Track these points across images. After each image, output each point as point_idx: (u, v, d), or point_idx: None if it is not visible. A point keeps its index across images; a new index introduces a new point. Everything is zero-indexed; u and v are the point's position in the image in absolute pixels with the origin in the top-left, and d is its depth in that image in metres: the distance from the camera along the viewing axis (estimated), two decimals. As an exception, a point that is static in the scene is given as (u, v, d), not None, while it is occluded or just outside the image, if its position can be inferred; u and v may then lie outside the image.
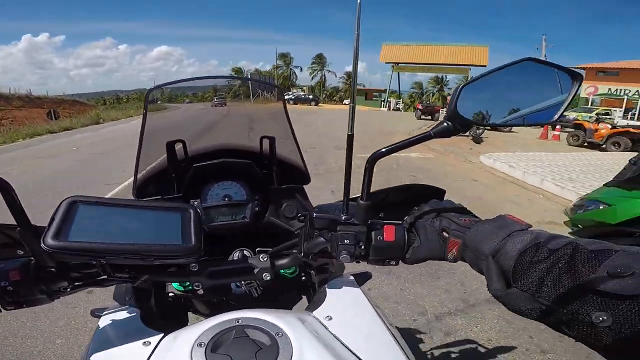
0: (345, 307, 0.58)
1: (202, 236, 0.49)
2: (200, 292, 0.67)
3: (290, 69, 48.44)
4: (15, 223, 0.43)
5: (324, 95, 46.25)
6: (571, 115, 18.34)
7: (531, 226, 0.45)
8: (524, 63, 0.48)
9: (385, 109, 32.49)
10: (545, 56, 28.61)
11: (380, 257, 0.54)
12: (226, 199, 0.79)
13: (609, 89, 24.09)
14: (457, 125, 0.47)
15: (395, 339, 0.53)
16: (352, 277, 0.69)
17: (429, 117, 20.03)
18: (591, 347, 0.34)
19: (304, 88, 45.11)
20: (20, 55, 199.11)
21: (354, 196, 0.53)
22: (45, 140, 12.55)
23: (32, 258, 0.47)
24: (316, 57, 48.92)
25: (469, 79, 0.50)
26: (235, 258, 0.74)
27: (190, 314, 0.79)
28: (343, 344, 0.49)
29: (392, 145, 0.50)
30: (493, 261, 0.42)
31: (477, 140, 10.15)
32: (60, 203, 0.44)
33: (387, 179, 5.55)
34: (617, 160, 8.15)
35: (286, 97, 35.97)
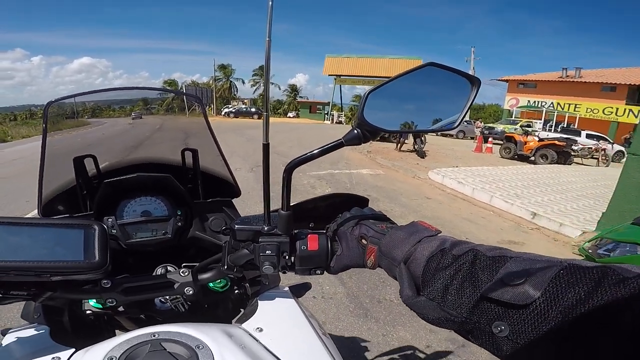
0: (277, 319, 0.59)
1: (109, 252, 0.48)
2: (121, 308, 0.67)
3: (231, 81, 46.66)
4: None
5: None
6: (499, 127, 19.98)
7: (440, 232, 0.45)
8: (427, 68, 0.48)
9: (329, 122, 32.74)
10: (473, 68, 30.99)
11: (306, 267, 0.53)
12: (145, 215, 0.79)
13: (528, 100, 26.73)
14: (366, 133, 0.47)
15: (327, 348, 0.54)
16: (287, 289, 0.69)
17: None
18: (496, 356, 0.33)
19: (246, 101, 43.46)
20: None
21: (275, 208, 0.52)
22: None
23: None
24: (258, 69, 47.96)
25: (377, 85, 0.48)
26: (159, 274, 0.72)
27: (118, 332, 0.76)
28: (274, 355, 0.50)
29: (307, 153, 0.49)
30: (405, 267, 0.42)
31: (421, 154, 10.32)
32: None
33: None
34: (549, 174, 8.75)
35: (226, 110, 35.91)
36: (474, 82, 0.49)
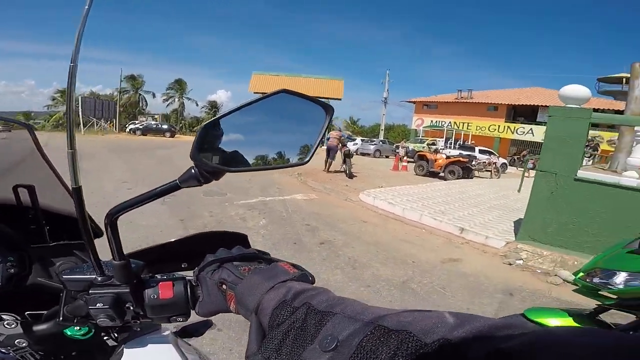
0: None
1: None
2: None
3: (140, 94, 42.46)
4: None
5: (181, 125, 42.43)
6: (410, 146, 21.92)
7: (296, 275, 0.43)
8: (280, 95, 0.44)
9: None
10: (387, 90, 33.72)
11: (162, 315, 0.50)
12: None
13: (432, 120, 30.05)
14: (205, 173, 0.42)
15: None
16: (167, 332, 0.66)
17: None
18: None
19: (156, 116, 39.26)
20: None
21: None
22: None
23: None
24: (174, 83, 44.52)
25: (217, 115, 0.43)
26: None
27: None
28: None
29: (134, 199, 0.45)
30: (255, 318, 0.39)
31: (350, 176, 10.58)
32: None
33: (284, 233, 4.86)
34: (460, 189, 9.69)
35: (132, 127, 31.96)
36: (327, 109, 0.47)
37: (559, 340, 0.21)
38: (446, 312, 0.29)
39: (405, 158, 15.54)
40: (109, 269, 0.49)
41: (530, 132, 25.45)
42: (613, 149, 7.15)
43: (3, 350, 0.65)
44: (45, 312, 0.59)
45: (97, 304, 0.48)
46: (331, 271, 3.73)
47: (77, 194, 0.42)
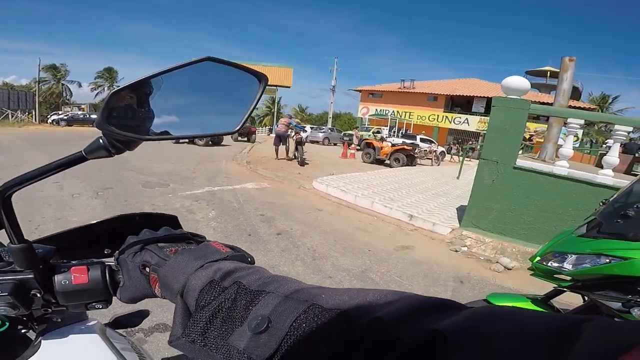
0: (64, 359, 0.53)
1: None
2: None
3: (63, 84, 38.13)
4: None
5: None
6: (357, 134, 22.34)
7: (229, 254, 0.41)
8: (205, 63, 0.41)
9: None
10: (335, 78, 33.68)
11: (77, 302, 0.48)
12: None
13: (377, 109, 30.93)
14: (116, 143, 0.39)
15: None
16: (94, 322, 0.61)
17: (245, 139, 19.79)
18: None
19: (83, 106, 36.02)
20: None
21: None
22: None
23: None
24: (104, 71, 40.68)
25: (129, 83, 0.39)
26: None
27: None
28: None
29: (31, 172, 0.40)
30: (181, 301, 0.37)
31: (302, 163, 10.48)
32: None
33: (237, 225, 4.64)
34: (406, 176, 10.11)
35: (55, 117, 29.04)
36: (261, 78, 0.45)
37: (496, 318, 0.21)
38: (386, 290, 0.28)
39: (353, 145, 15.84)
40: (8, 254, 0.46)
41: (465, 121, 27.45)
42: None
43: None
44: None
45: None
46: (292, 263, 3.64)
47: None
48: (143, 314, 0.71)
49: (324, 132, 24.16)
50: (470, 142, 21.93)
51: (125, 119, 0.39)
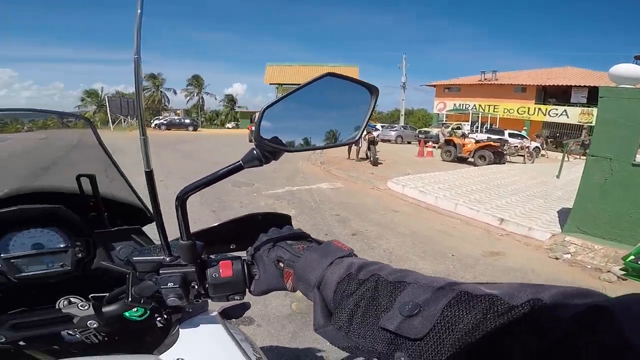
0: (200, 347, 0.58)
1: None
2: (22, 343, 0.64)
3: (161, 91, 43.56)
4: None
5: (202, 119, 43.04)
6: (433, 131, 21.18)
7: (351, 251, 0.45)
8: (326, 79, 0.46)
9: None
10: (405, 75, 32.76)
11: (222, 294, 0.52)
12: (36, 248, 0.75)
13: (454, 104, 28.92)
14: (266, 153, 0.45)
15: None
16: (215, 313, 0.68)
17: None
18: None
19: (178, 112, 40.60)
20: None
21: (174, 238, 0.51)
22: None
23: None
24: (192, 79, 45.45)
25: (273, 100, 0.47)
26: (61, 306, 0.70)
27: None
28: None
29: (202, 179, 0.46)
30: (318, 293, 0.41)
31: (375, 163, 10.30)
32: None
33: (314, 224, 4.71)
34: (494, 175, 9.23)
35: (157, 122, 33.24)
36: (373, 91, 0.48)
37: None
38: (521, 282, 0.29)
39: (430, 144, 15.05)
40: (174, 249, 0.50)
41: (564, 113, 24.05)
42: None
43: (70, 333, 0.69)
44: (106, 294, 0.61)
45: (169, 284, 0.49)
46: (368, 266, 3.57)
47: (149, 177, 0.43)
48: (246, 307, 0.75)
49: (396, 130, 23.46)
50: (583, 137, 18.63)
51: (269, 132, 0.44)
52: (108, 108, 30.12)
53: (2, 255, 0.73)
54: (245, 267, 0.52)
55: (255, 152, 0.44)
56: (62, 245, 0.77)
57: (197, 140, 19.67)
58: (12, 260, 0.72)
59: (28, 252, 0.75)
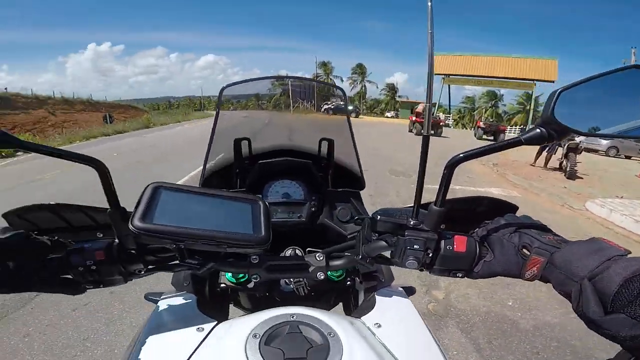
0: (394, 317, 0.60)
1: (271, 228, 0.50)
2: (251, 285, 0.71)
3: (330, 78, 47.32)
4: (101, 207, 0.51)
5: (364, 107, 44.74)
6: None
7: (630, 252, 0.43)
8: (631, 70, 0.45)
9: (434, 124, 30.57)
10: None
11: (447, 268, 0.52)
12: (285, 197, 0.86)
13: None
14: (552, 132, 0.45)
15: (443, 353, 0.53)
16: (401, 289, 0.70)
17: (491, 138, 17.89)
18: None
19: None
20: (87, 64, 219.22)
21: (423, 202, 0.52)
22: (97, 144, 12.97)
23: (115, 240, 0.50)
24: (356, 67, 47.82)
25: (571, 83, 0.46)
26: (288, 255, 0.75)
27: (231, 307, 0.81)
28: (390, 352, 0.50)
29: (475, 150, 0.47)
30: (590, 284, 0.41)
31: (572, 176, 8.16)
32: (145, 188, 0.47)
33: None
34: None
35: (325, 107, 36.44)
36: None
37: None
38: None
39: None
40: (418, 215, 0.51)
41: None
42: None
43: (287, 282, 0.73)
44: (318, 250, 0.64)
45: (415, 246, 0.50)
46: (556, 295, 2.86)
47: (425, 141, 0.50)
48: (412, 291, 0.75)
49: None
50: None
51: (562, 113, 0.43)
52: (290, 93, 35.82)
53: (267, 200, 0.83)
54: (477, 246, 0.51)
55: (539, 130, 0.44)
56: (302, 198, 0.86)
57: (358, 125, 20.53)
58: (270, 206, 0.79)
59: (279, 199, 0.85)
